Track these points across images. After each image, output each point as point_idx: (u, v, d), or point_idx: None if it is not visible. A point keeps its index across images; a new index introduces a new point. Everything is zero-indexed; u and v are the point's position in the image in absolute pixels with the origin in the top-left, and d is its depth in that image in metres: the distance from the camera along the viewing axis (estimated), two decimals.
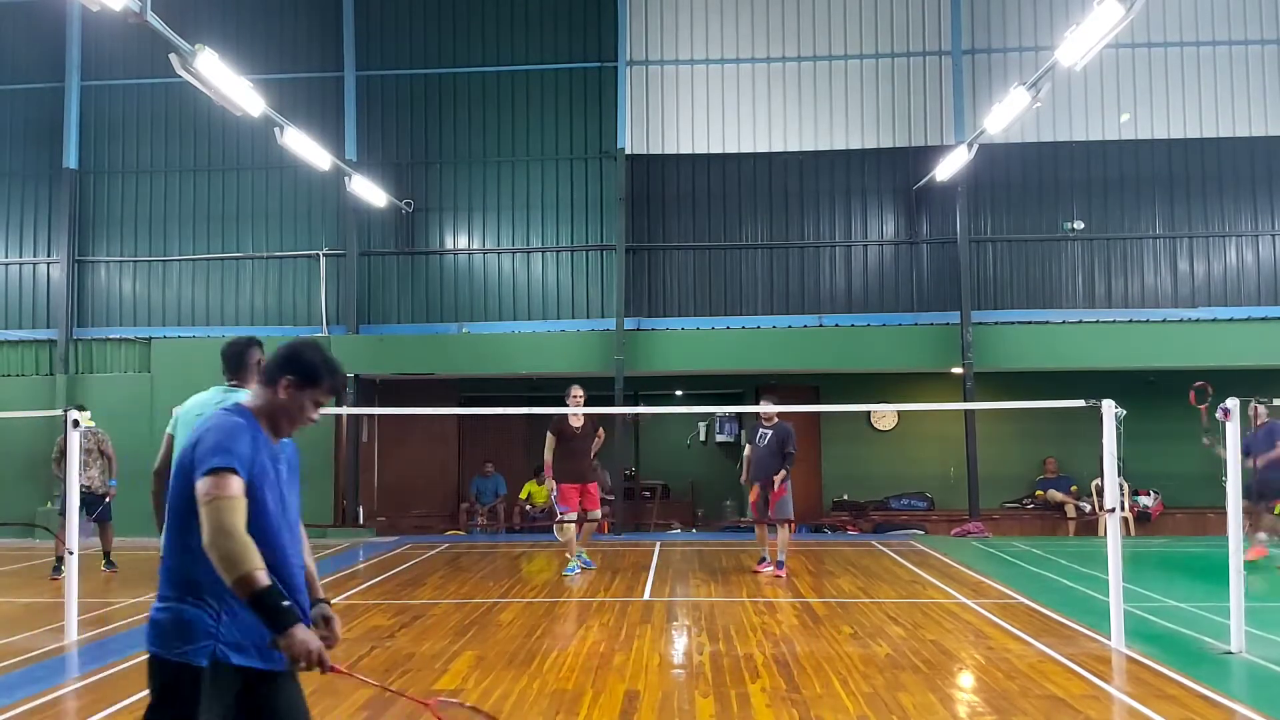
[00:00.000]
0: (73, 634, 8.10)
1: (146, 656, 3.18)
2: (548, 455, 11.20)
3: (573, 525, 11.32)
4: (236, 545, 2.89)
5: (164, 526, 3.23)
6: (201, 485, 2.98)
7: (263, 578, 2.89)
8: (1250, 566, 9.76)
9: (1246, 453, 10.44)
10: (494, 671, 6.92)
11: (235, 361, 5.48)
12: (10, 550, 14.78)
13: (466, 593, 10.44)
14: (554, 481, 11.17)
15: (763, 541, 11.69)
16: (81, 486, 12.23)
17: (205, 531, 2.93)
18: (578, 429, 11.21)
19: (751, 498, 11.42)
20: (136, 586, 10.95)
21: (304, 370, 3.22)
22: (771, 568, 11.16)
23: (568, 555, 11.57)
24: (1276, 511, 10.05)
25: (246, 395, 3.76)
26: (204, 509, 2.94)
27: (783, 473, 10.99)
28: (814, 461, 18.26)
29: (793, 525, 11.58)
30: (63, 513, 12.52)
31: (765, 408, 11.34)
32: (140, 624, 8.76)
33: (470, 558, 13.48)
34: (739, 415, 18.30)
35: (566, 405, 11.12)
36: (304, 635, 2.95)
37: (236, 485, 2.98)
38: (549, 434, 11.23)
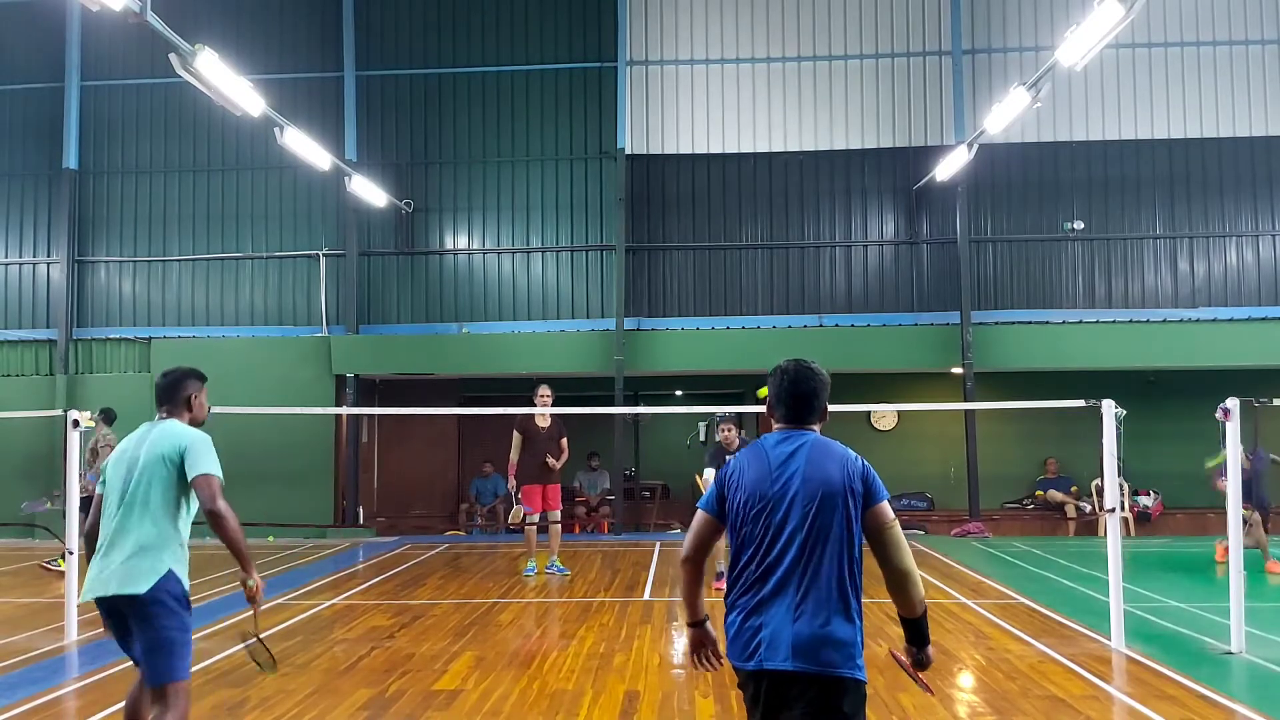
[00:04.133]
0: (73, 634, 8.11)
1: (835, 679, 3.18)
2: (513, 455, 11.24)
3: (533, 528, 11.37)
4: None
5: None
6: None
7: None
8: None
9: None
10: (494, 672, 6.92)
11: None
12: (10, 550, 14.78)
13: (466, 593, 10.44)
14: (515, 480, 11.27)
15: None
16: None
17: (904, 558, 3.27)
18: (543, 429, 11.29)
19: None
20: None
21: None
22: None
23: (529, 556, 11.58)
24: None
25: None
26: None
27: None
28: None
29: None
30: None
31: (727, 433, 10.46)
32: None
33: (470, 558, 13.48)
34: (739, 415, 18.26)
35: (534, 405, 11.26)
36: None
37: None
38: (515, 432, 11.26)
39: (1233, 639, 7.15)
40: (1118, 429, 7.55)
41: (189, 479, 4.45)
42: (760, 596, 3.26)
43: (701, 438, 18.83)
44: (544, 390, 11.38)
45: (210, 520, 4.43)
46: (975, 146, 14.61)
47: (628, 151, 17.20)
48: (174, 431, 4.59)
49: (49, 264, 17.72)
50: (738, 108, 17.43)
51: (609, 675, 6.77)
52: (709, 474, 10.45)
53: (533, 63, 17.60)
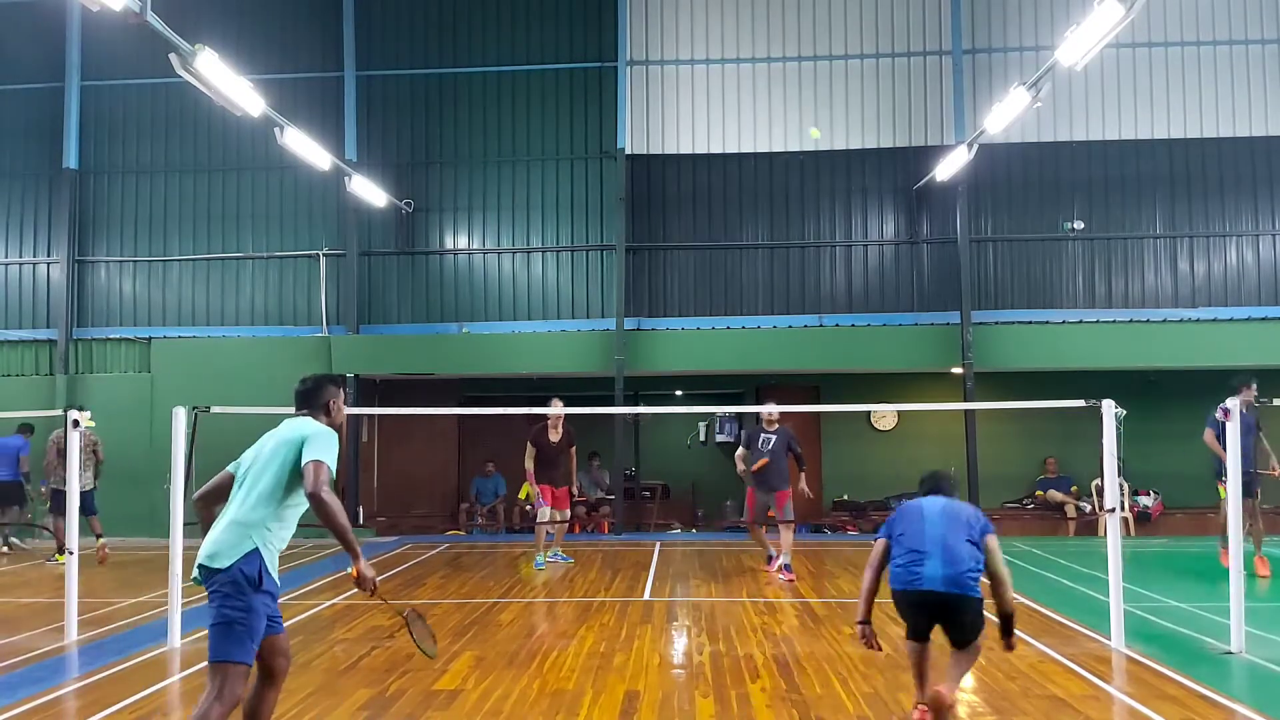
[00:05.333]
0: (73, 634, 8.10)
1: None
2: (529, 464, 12.10)
3: (544, 524, 12.26)
4: None
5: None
6: None
7: None
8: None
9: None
10: (494, 672, 6.93)
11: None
12: (10, 550, 14.78)
13: (467, 593, 10.45)
14: (535, 486, 12.15)
15: (762, 542, 11.77)
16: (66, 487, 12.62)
17: None
18: (554, 442, 12.17)
19: (750, 500, 11.36)
20: (137, 586, 10.96)
21: None
22: (780, 566, 11.04)
23: (538, 551, 12.37)
24: (1222, 494, 9.78)
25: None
26: None
27: (802, 475, 11.34)
28: (814, 462, 18.21)
29: (793, 525, 11.61)
30: (52, 511, 13.16)
31: (769, 408, 11.30)
32: (140, 624, 8.78)
33: (470, 558, 13.48)
34: (739, 415, 18.30)
35: (548, 418, 12.02)
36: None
37: None
38: (529, 444, 12.13)
39: (1233, 639, 7.15)
40: (1118, 429, 7.55)
41: (301, 462, 4.48)
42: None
43: (702, 438, 18.87)
44: (556, 404, 11.93)
45: (312, 505, 4.42)
46: (975, 146, 14.60)
47: (628, 151, 17.19)
48: (303, 423, 4.77)
49: (49, 264, 17.72)
50: (738, 108, 17.43)
51: (609, 675, 6.77)
52: (741, 452, 11.37)
53: (533, 63, 17.60)
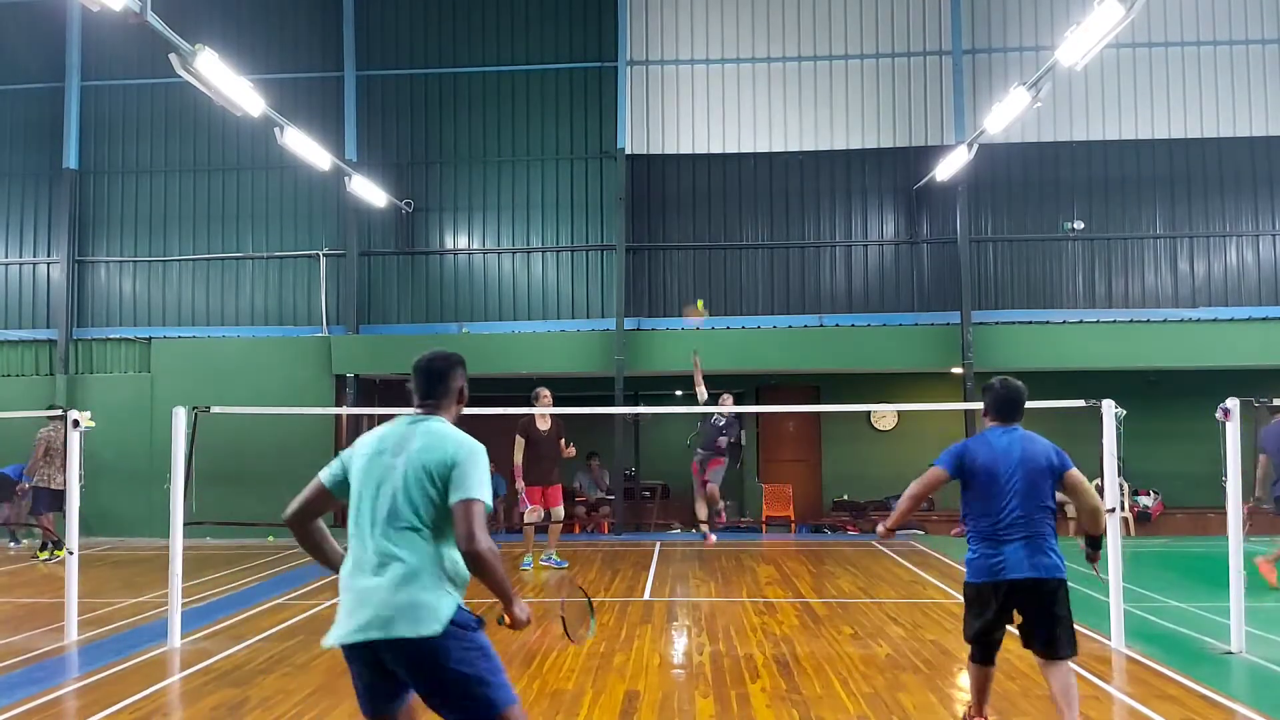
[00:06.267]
0: (73, 634, 8.09)
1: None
2: (517, 457, 11.57)
3: (532, 527, 11.81)
4: None
5: None
6: None
7: None
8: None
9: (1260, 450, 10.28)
10: None
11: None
12: (9, 550, 14.78)
13: (466, 593, 10.43)
14: (522, 482, 11.62)
15: (704, 514, 13.02)
16: (56, 484, 12.76)
17: None
18: (544, 431, 11.61)
19: (695, 469, 12.95)
20: (136, 586, 10.95)
21: None
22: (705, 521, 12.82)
23: (527, 552, 11.96)
24: None
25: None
26: None
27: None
28: (814, 461, 18.28)
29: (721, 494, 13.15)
30: (34, 511, 13.27)
31: (726, 407, 12.84)
32: (140, 624, 8.78)
33: None
34: (739, 415, 18.28)
35: (534, 406, 11.44)
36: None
37: None
38: (517, 435, 11.58)
39: (1233, 639, 7.15)
40: (1118, 429, 7.55)
41: (449, 501, 3.42)
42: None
43: None
44: (543, 393, 11.57)
45: (467, 561, 3.43)
46: (975, 146, 14.61)
47: (628, 151, 17.20)
48: (443, 436, 3.55)
49: (49, 264, 17.72)
50: (738, 108, 17.43)
51: (609, 675, 6.77)
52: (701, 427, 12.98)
53: (533, 63, 17.60)
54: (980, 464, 5.03)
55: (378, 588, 3.39)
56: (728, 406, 12.68)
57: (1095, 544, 5.35)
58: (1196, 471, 15.09)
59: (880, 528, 5.45)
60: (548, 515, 11.83)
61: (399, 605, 3.36)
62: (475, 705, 3.43)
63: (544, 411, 11.31)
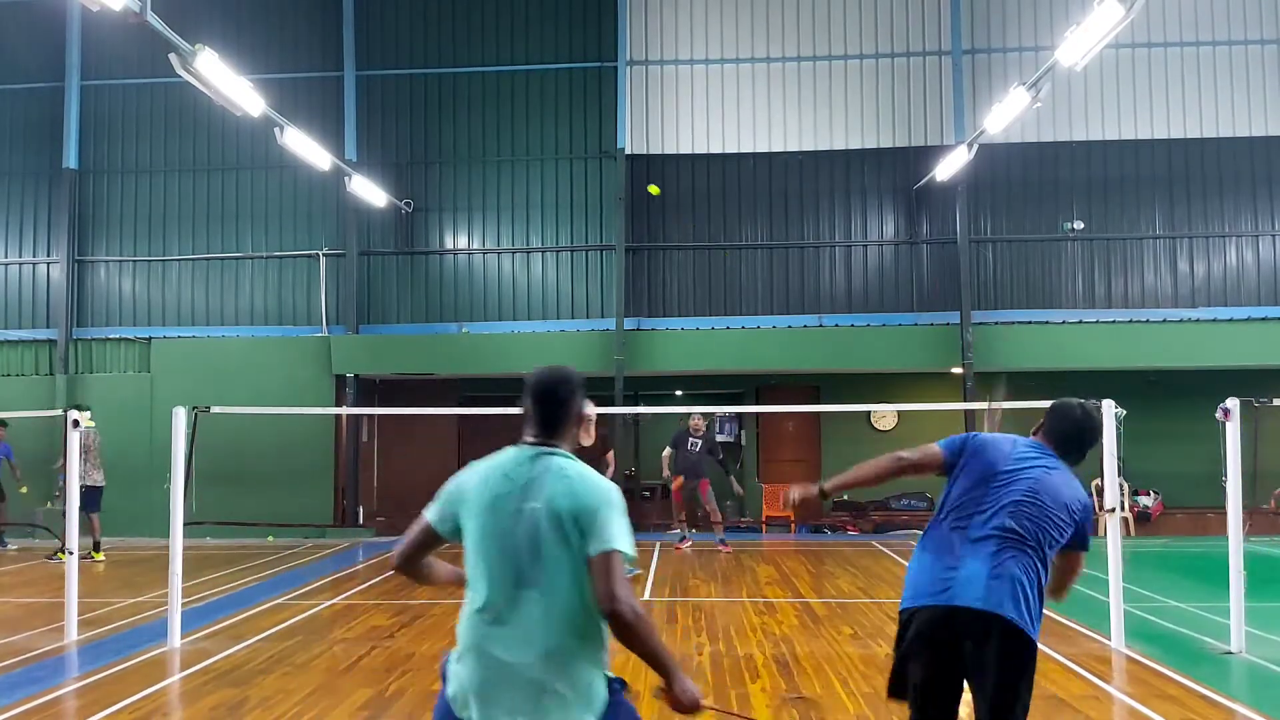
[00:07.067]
0: (73, 634, 8.10)
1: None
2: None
3: None
4: None
5: None
6: None
7: None
8: None
9: None
10: None
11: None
12: (9, 550, 14.78)
13: None
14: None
15: (682, 523, 14.21)
16: (92, 480, 12.73)
17: None
18: (584, 447, 11.55)
19: (675, 486, 13.83)
20: (136, 586, 10.95)
21: None
22: (718, 541, 13.51)
23: None
24: None
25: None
26: None
27: (730, 478, 14.46)
28: (814, 461, 18.26)
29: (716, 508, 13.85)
30: (85, 510, 13.27)
31: (695, 418, 13.68)
32: (140, 624, 8.78)
33: None
34: (739, 415, 18.31)
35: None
36: None
37: None
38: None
39: (1233, 639, 7.15)
40: (1118, 429, 7.55)
41: (586, 553, 2.86)
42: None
43: None
44: (590, 408, 11.50)
45: (611, 626, 2.85)
46: (975, 146, 14.61)
47: (628, 151, 17.19)
48: (577, 477, 2.99)
49: (49, 264, 17.71)
50: (738, 108, 17.43)
51: None
52: (668, 452, 13.91)
53: (533, 63, 17.60)
54: (985, 454, 3.73)
55: (522, 665, 2.90)
56: (700, 427, 13.59)
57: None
58: (1196, 471, 15.08)
59: (826, 484, 3.93)
60: None
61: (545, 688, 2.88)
62: None
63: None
